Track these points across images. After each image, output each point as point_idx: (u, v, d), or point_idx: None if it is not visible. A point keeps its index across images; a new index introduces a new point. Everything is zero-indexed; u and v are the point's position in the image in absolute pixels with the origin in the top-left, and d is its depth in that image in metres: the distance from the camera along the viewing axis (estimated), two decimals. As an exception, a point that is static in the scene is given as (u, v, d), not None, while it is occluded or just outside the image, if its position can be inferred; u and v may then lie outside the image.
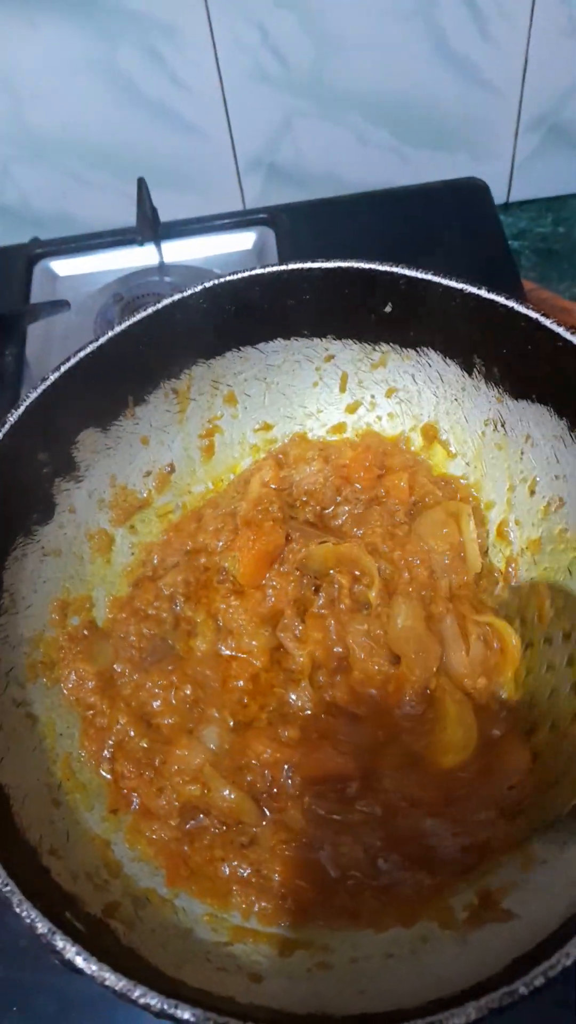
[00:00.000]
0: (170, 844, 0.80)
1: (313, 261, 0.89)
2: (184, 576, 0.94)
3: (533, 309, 0.85)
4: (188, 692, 0.87)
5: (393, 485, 0.98)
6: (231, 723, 0.86)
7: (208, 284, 0.88)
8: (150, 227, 1.34)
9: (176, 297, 0.88)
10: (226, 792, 0.81)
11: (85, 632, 0.91)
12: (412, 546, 0.93)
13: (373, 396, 1.01)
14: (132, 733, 0.85)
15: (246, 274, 0.89)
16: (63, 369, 0.83)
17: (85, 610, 0.92)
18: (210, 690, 0.89)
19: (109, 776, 0.84)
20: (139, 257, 1.38)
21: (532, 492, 0.93)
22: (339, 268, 0.89)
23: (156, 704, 0.87)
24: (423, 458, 1.01)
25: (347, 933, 0.75)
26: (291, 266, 0.89)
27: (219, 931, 0.74)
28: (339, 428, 1.03)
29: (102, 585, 0.94)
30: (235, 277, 0.89)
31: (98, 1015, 0.85)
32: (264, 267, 0.90)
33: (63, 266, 1.42)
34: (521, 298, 1.36)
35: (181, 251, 1.40)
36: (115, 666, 0.90)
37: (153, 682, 0.88)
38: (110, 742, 0.85)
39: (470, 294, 0.87)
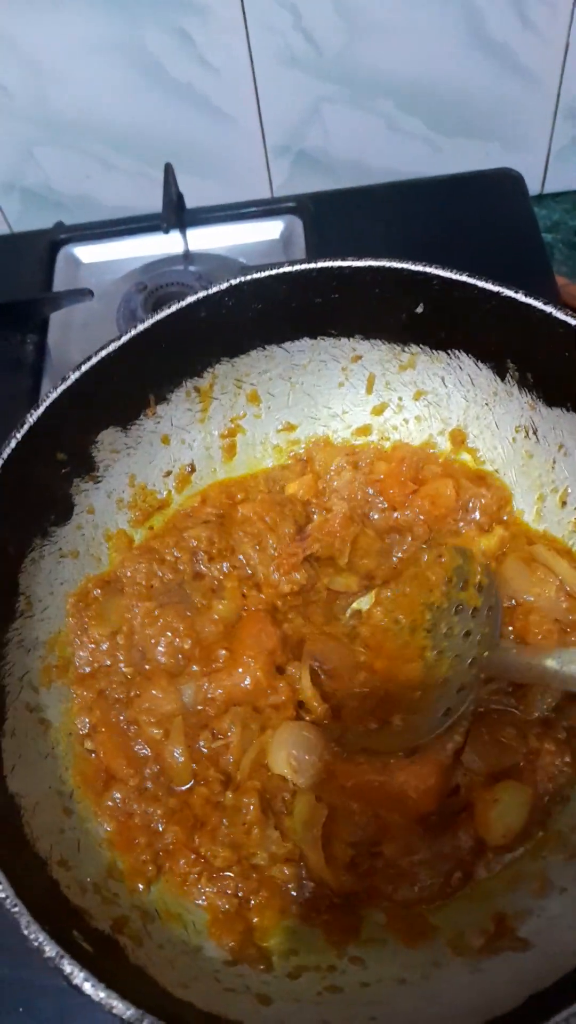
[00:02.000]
0: (121, 809, 0.80)
1: (343, 259, 0.86)
2: (211, 534, 0.92)
3: (572, 315, 0.82)
4: (187, 646, 0.86)
5: (437, 493, 0.95)
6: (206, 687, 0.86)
7: (234, 281, 0.86)
8: (175, 214, 1.31)
9: (201, 295, 0.85)
10: (177, 751, 0.81)
11: (97, 592, 0.89)
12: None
13: (400, 398, 0.99)
14: (121, 657, 0.86)
15: (273, 272, 0.86)
16: (83, 369, 0.81)
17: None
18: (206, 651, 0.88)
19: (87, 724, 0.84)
20: (164, 244, 1.35)
21: (563, 503, 0.90)
22: (369, 267, 0.86)
23: (154, 641, 0.87)
24: (453, 458, 0.98)
25: (356, 951, 0.74)
26: (319, 264, 0.86)
27: (225, 945, 0.73)
28: (364, 430, 1.00)
29: None
30: (262, 275, 0.86)
31: (105, 1018, 0.85)
32: (292, 264, 0.87)
33: (87, 252, 1.39)
34: (552, 295, 1.34)
35: (207, 239, 1.37)
36: (125, 604, 0.89)
37: (165, 620, 0.87)
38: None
39: (506, 297, 0.83)
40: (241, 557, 0.92)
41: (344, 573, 0.95)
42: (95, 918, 0.68)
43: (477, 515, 0.94)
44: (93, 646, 0.87)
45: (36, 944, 0.57)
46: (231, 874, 0.77)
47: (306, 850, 0.77)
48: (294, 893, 0.77)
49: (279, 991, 0.70)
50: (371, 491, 0.97)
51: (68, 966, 0.56)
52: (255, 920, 0.76)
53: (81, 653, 0.87)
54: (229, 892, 0.76)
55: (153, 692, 0.84)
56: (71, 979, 0.56)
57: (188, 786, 0.82)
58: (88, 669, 0.86)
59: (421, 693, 0.85)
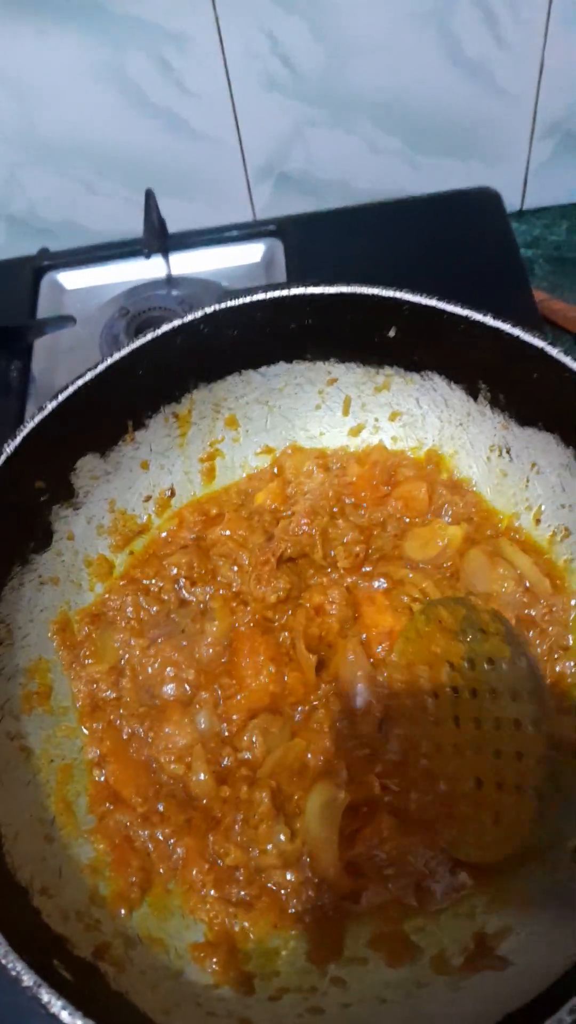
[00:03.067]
0: (121, 831, 0.81)
1: (315, 285, 0.88)
2: (190, 559, 0.93)
3: (539, 337, 0.83)
4: (191, 676, 0.87)
5: (410, 496, 0.96)
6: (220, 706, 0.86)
7: (209, 309, 0.87)
8: (157, 239, 1.33)
9: (177, 323, 0.87)
10: (200, 776, 0.81)
11: (87, 629, 0.90)
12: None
13: (377, 419, 1.00)
14: (126, 693, 0.87)
15: (248, 299, 0.88)
16: (60, 398, 0.82)
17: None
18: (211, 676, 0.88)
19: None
20: (147, 269, 1.36)
21: (537, 521, 0.91)
22: (341, 293, 0.88)
23: (159, 679, 0.87)
24: (431, 467, 0.99)
25: (337, 972, 0.74)
26: (293, 291, 0.88)
27: (207, 969, 0.74)
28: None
29: None
30: (237, 303, 0.87)
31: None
32: (266, 291, 0.88)
33: (70, 278, 1.41)
34: (531, 310, 1.36)
35: (189, 263, 1.38)
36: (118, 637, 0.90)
37: (164, 656, 0.87)
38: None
39: (475, 321, 0.85)
40: (220, 578, 0.93)
41: (322, 571, 0.94)
42: (77, 946, 0.68)
43: (448, 520, 0.95)
44: (95, 684, 0.88)
45: (14, 974, 0.57)
46: (240, 876, 0.78)
47: (317, 846, 0.77)
48: (293, 900, 0.77)
49: (261, 1014, 0.70)
50: (344, 493, 0.97)
51: (46, 995, 0.57)
52: (249, 928, 0.76)
53: (81, 687, 0.88)
54: (233, 898, 0.77)
55: (167, 729, 0.84)
56: (48, 1008, 0.57)
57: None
58: (91, 702, 0.87)
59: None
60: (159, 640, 0.89)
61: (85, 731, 0.86)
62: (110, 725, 0.86)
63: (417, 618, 0.86)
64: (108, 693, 0.88)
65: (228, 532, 0.95)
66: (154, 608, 0.92)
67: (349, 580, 0.92)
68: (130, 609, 0.91)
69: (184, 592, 0.93)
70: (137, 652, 0.89)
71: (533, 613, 0.87)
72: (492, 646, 0.79)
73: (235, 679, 0.87)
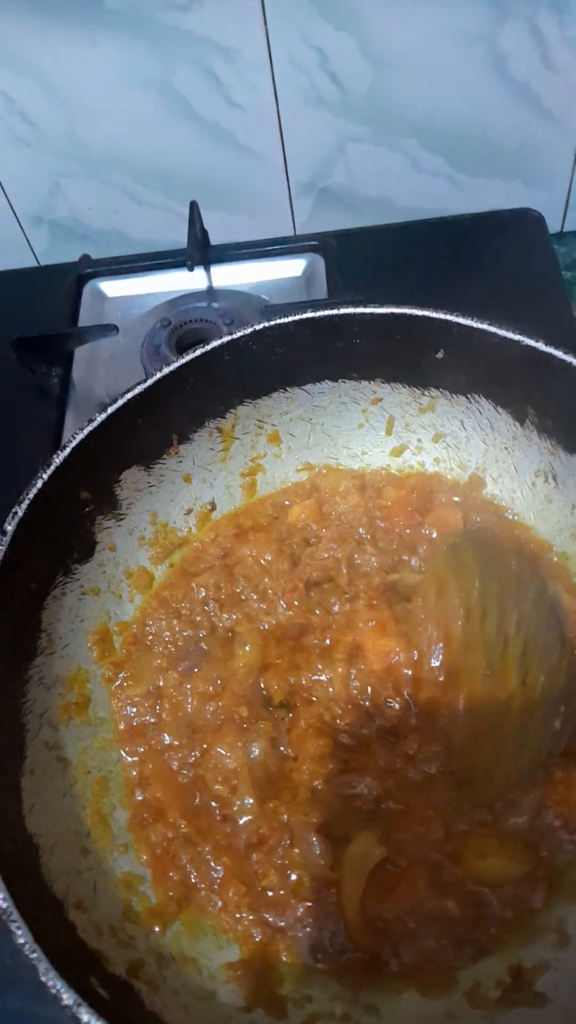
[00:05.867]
0: (163, 843, 0.80)
1: (364, 306, 0.88)
2: (217, 580, 0.93)
3: (591, 365, 0.82)
4: (244, 714, 0.85)
5: (444, 522, 0.95)
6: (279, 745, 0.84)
7: (258, 327, 0.87)
8: (200, 251, 1.33)
9: (226, 339, 0.87)
10: (247, 801, 0.80)
11: (125, 651, 0.90)
12: None
13: (419, 440, 0.99)
14: (166, 720, 0.86)
15: (296, 317, 0.87)
16: (109, 411, 0.82)
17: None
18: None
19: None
20: (188, 280, 1.37)
21: (582, 549, 0.91)
22: (390, 314, 0.88)
23: (199, 711, 0.86)
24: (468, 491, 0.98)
25: (370, 999, 0.74)
26: (341, 311, 0.87)
27: (240, 991, 0.73)
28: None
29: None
30: (285, 320, 0.87)
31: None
32: (315, 310, 0.88)
33: (112, 287, 1.41)
34: (571, 333, 1.35)
35: (230, 276, 1.39)
36: (155, 663, 0.89)
37: (199, 689, 0.87)
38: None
39: (527, 346, 0.84)
40: (243, 599, 0.92)
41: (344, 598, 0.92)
42: (111, 962, 0.68)
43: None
44: (133, 709, 0.88)
45: (54, 992, 0.57)
46: (275, 896, 0.77)
47: (346, 882, 0.76)
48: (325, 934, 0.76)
49: (292, 1040, 0.69)
50: (377, 516, 0.96)
51: (86, 1015, 0.56)
52: (282, 955, 0.75)
53: (119, 710, 0.88)
54: (269, 920, 0.76)
55: (219, 749, 0.83)
56: (88, 1027, 0.56)
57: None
58: (129, 726, 0.87)
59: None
60: (194, 670, 0.88)
61: (125, 754, 0.86)
62: (151, 749, 0.85)
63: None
64: (148, 718, 0.87)
65: (255, 552, 0.94)
66: (188, 632, 0.91)
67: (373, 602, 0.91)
68: (167, 634, 0.91)
69: (213, 617, 0.92)
70: (171, 687, 0.88)
71: None
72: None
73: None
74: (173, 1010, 0.67)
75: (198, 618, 0.92)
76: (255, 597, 0.92)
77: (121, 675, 0.89)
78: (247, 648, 0.89)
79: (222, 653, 0.89)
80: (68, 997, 0.57)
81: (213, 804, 0.82)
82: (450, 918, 0.76)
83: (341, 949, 0.75)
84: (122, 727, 0.88)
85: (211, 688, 0.87)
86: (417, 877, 0.78)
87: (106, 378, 1.29)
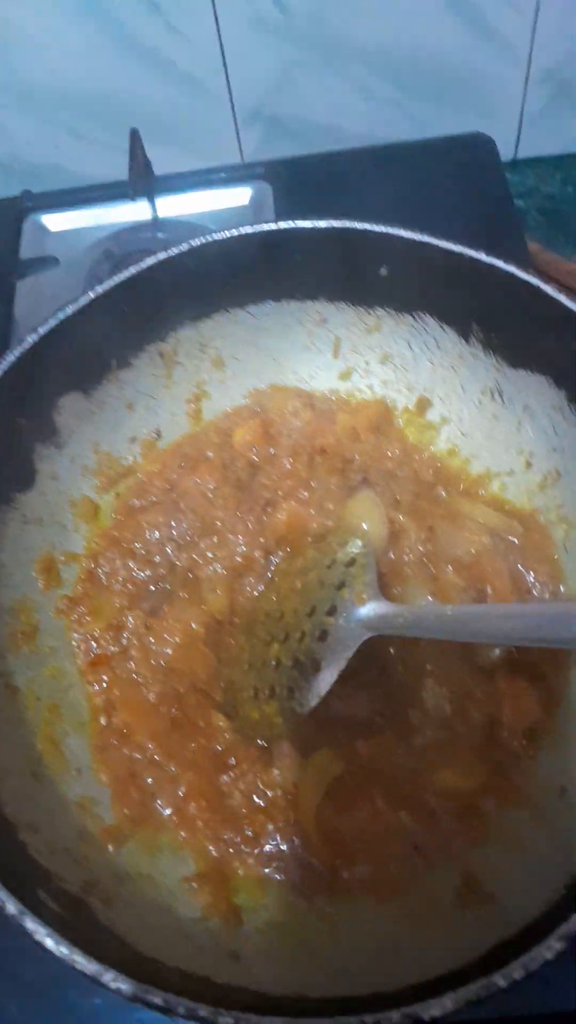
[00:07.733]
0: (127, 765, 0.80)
1: (305, 219, 0.86)
2: (167, 518, 0.90)
3: (534, 275, 0.81)
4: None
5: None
6: None
7: (195, 243, 0.85)
8: (143, 181, 1.29)
9: (161, 256, 0.85)
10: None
11: (80, 588, 0.89)
12: None
13: (367, 362, 0.98)
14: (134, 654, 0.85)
15: (234, 232, 0.86)
16: (41, 332, 0.80)
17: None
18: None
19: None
20: (132, 212, 1.33)
21: (528, 465, 0.90)
22: (332, 228, 0.86)
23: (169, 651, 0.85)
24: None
25: (326, 906, 0.74)
26: (281, 225, 0.86)
27: (197, 902, 0.73)
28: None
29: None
30: (222, 236, 0.85)
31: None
32: (253, 225, 0.86)
33: (54, 220, 1.37)
34: (524, 261, 1.34)
35: (175, 206, 1.35)
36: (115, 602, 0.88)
37: (162, 628, 0.85)
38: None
39: (469, 258, 0.83)
40: (203, 544, 0.90)
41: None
42: (65, 880, 0.68)
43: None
44: (94, 642, 0.86)
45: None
46: (236, 811, 0.77)
47: (303, 794, 0.77)
48: (283, 847, 0.77)
49: (249, 946, 0.70)
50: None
51: (30, 923, 0.56)
52: (238, 869, 0.76)
53: (80, 643, 0.87)
54: (226, 836, 0.76)
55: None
56: (33, 936, 0.56)
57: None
58: (91, 657, 0.86)
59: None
60: (156, 613, 0.87)
61: (88, 683, 0.85)
62: (116, 676, 0.84)
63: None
64: (112, 648, 0.86)
65: (199, 482, 0.92)
66: (147, 572, 0.89)
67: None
68: (122, 573, 0.89)
69: (172, 557, 0.90)
70: (138, 624, 0.87)
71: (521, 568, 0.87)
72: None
73: None
74: (129, 923, 0.67)
75: (157, 558, 0.90)
76: (213, 538, 0.90)
77: (80, 609, 0.88)
78: (217, 592, 0.88)
79: (185, 595, 0.88)
80: (12, 906, 0.57)
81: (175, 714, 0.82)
82: (406, 829, 0.77)
83: (299, 861, 0.76)
84: (82, 660, 0.86)
85: (178, 639, 0.85)
86: (374, 791, 0.79)
87: (50, 313, 1.25)
